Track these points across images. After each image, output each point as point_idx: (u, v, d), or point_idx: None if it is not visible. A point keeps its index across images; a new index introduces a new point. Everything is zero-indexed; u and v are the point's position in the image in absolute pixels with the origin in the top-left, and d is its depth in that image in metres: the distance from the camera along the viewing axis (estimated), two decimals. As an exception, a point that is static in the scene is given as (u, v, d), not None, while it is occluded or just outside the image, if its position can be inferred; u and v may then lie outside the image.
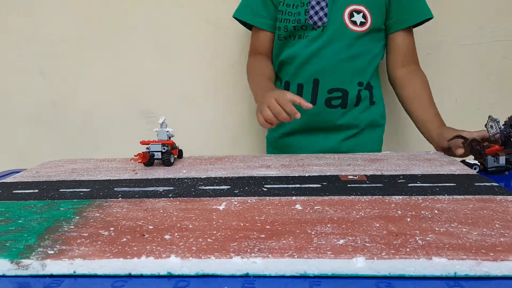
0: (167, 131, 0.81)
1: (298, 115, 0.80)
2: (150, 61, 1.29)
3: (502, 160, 0.73)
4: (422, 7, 1.00)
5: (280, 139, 1.08)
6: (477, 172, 0.71)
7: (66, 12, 1.28)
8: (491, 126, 0.77)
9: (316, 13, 0.96)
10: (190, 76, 1.30)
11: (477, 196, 0.57)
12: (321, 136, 1.02)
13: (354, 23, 0.97)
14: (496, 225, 0.46)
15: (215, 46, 1.27)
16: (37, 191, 0.66)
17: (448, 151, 0.87)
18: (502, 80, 1.25)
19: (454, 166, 0.73)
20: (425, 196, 0.57)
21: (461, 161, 0.77)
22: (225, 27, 1.25)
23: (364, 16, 0.97)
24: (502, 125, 0.76)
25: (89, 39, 1.29)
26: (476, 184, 0.62)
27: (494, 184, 0.62)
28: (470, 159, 0.76)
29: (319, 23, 0.97)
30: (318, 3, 0.97)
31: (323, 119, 1.01)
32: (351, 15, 0.97)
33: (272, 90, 0.90)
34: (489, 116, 0.78)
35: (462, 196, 0.57)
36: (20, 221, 0.52)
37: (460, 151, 0.81)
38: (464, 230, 0.45)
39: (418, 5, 1.00)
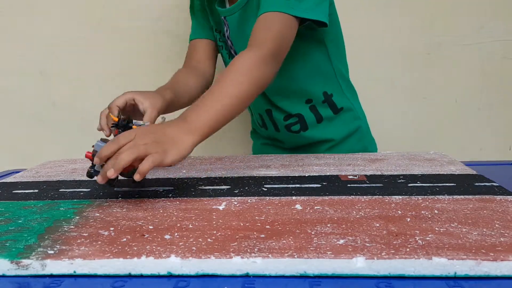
0: (167, 131, 0.81)
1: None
2: (150, 61, 1.29)
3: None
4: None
5: (263, 145, 1.05)
6: None
7: (66, 12, 1.28)
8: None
9: (231, 46, 0.91)
10: (190, 76, 1.29)
11: (477, 196, 0.57)
12: (301, 151, 0.96)
13: None
14: (496, 225, 0.46)
15: (215, 46, 1.27)
16: (37, 191, 0.66)
17: None
18: (502, 80, 1.25)
19: (454, 166, 0.73)
20: (425, 196, 0.57)
21: None
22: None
23: None
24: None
25: (89, 39, 1.29)
26: (476, 184, 0.62)
27: (494, 184, 0.62)
28: None
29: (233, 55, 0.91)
30: (228, 38, 0.91)
31: (294, 142, 0.97)
32: None
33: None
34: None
35: (462, 196, 0.57)
36: (20, 221, 0.52)
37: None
38: (464, 230, 0.45)
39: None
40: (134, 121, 0.63)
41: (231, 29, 0.89)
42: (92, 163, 0.57)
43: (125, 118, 0.60)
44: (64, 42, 1.29)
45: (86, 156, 0.57)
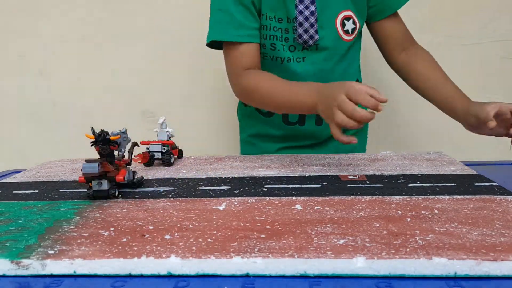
0: (167, 131, 0.81)
1: (380, 108, 0.63)
2: (150, 61, 1.29)
3: None
4: None
5: (263, 143, 0.99)
6: None
7: (66, 12, 1.28)
8: None
9: (306, 31, 0.83)
10: (190, 76, 1.30)
11: (477, 196, 0.57)
12: (308, 150, 0.93)
13: (347, 32, 0.86)
14: (496, 225, 0.46)
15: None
16: (37, 191, 0.66)
17: (477, 128, 0.80)
18: (502, 80, 1.25)
19: (454, 166, 0.73)
20: (425, 196, 0.57)
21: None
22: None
23: (354, 22, 0.87)
24: None
25: (89, 39, 1.29)
26: (476, 184, 0.62)
27: (494, 184, 0.62)
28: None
29: (310, 42, 0.84)
30: (306, 18, 0.83)
31: (313, 136, 0.94)
32: (343, 24, 0.85)
33: (329, 84, 0.71)
34: None
35: (462, 196, 0.57)
36: (20, 221, 0.52)
37: (492, 124, 0.73)
38: (464, 230, 0.45)
39: None
40: (111, 132, 0.65)
41: None
42: (88, 186, 0.61)
43: (100, 133, 0.63)
44: (64, 42, 1.29)
45: (80, 181, 0.60)
